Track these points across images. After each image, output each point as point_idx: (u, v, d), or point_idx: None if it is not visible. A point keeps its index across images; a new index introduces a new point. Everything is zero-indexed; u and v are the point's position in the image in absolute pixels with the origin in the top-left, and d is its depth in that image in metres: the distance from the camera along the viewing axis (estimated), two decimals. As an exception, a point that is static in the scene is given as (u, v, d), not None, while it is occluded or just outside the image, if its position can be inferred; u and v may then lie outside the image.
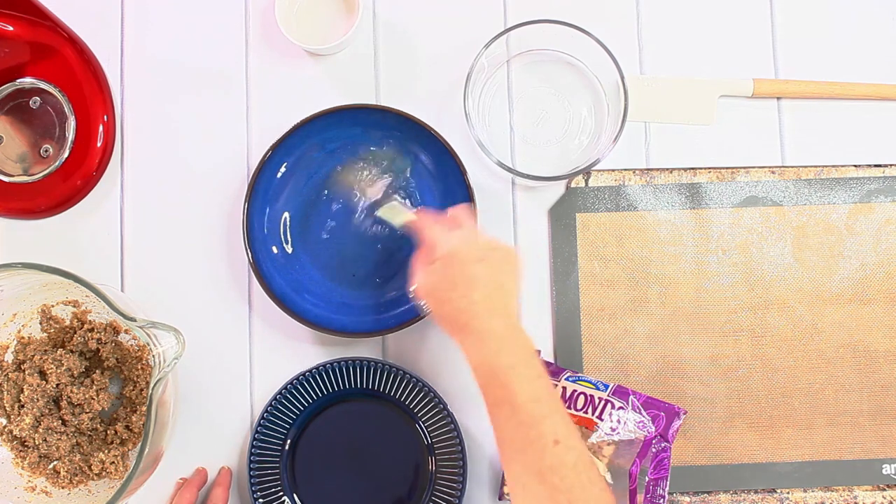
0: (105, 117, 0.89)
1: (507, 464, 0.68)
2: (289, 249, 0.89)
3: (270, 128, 0.90)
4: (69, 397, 0.82)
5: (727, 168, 0.91)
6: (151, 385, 0.73)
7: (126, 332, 0.87)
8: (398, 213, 0.84)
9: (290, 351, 0.89)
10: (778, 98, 0.92)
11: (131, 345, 0.87)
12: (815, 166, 0.91)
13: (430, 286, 0.74)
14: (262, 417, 0.86)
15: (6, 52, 0.88)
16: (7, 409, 0.83)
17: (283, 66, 0.92)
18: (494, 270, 0.72)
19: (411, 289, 0.80)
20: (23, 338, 0.85)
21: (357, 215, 0.88)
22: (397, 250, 0.89)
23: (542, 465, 0.65)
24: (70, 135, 0.89)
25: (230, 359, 0.89)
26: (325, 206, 0.89)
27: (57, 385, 0.82)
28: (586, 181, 0.90)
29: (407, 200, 0.89)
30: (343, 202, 0.88)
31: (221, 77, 0.92)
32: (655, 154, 0.91)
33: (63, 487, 0.83)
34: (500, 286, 0.72)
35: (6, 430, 0.83)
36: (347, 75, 0.92)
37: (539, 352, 0.88)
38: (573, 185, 0.90)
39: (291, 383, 0.86)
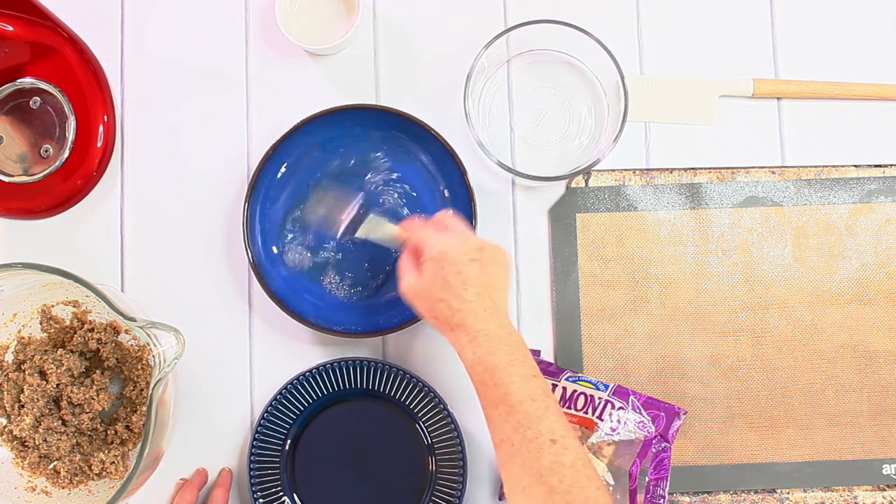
0: (105, 117, 0.89)
1: (504, 465, 0.68)
2: (289, 249, 0.89)
3: (270, 128, 0.90)
4: (69, 397, 0.82)
5: (727, 168, 0.91)
6: (151, 385, 0.73)
7: (126, 332, 0.86)
8: (379, 227, 0.82)
9: (290, 351, 0.88)
10: (778, 98, 0.92)
11: (131, 345, 0.87)
12: (815, 166, 0.91)
13: (420, 287, 0.74)
14: (262, 417, 0.86)
15: (6, 52, 0.88)
16: (7, 409, 0.83)
17: (283, 66, 0.92)
18: (486, 270, 0.72)
19: (399, 290, 0.79)
20: (23, 338, 0.85)
21: (342, 237, 0.88)
22: (396, 250, 0.88)
23: (540, 464, 0.65)
24: (70, 135, 0.89)
25: (230, 359, 0.89)
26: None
27: (57, 385, 0.82)
28: (586, 181, 0.90)
29: (398, 206, 0.88)
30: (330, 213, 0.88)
31: (221, 77, 0.92)
32: (655, 154, 0.91)
33: (63, 487, 0.83)
34: (492, 285, 0.72)
35: (6, 430, 0.83)
36: (347, 75, 0.92)
37: (539, 352, 0.88)
38: (573, 185, 0.90)
39: (291, 383, 0.86)
